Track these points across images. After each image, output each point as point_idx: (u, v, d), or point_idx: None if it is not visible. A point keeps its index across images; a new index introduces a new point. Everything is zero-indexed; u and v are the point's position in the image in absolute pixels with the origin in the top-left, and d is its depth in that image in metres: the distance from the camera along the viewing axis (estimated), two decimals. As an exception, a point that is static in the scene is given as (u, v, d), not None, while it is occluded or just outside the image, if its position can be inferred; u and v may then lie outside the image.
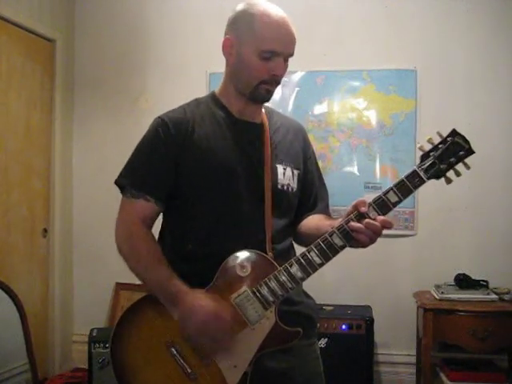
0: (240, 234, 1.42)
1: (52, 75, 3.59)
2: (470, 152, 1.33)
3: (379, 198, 1.32)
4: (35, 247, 3.47)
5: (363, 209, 1.31)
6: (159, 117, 1.48)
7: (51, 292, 3.58)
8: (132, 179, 1.45)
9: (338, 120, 3.47)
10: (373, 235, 1.33)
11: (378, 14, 3.45)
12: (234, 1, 1.50)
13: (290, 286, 1.34)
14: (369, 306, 3.25)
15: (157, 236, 1.50)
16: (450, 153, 1.32)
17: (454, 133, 1.33)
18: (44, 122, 3.56)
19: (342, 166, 3.44)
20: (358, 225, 1.31)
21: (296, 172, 1.53)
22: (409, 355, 3.37)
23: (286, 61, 1.44)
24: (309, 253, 1.34)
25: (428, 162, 1.32)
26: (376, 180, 3.40)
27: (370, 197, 1.33)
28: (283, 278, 1.34)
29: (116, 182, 1.48)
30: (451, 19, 3.38)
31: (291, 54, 1.45)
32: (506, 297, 3.00)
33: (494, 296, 2.99)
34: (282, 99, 3.48)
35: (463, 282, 3.09)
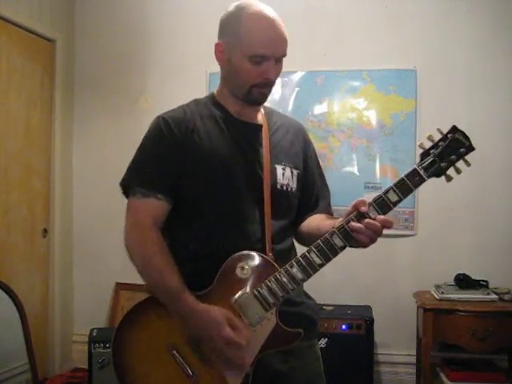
0: (240, 234, 1.42)
1: (52, 75, 3.59)
2: (471, 149, 1.32)
3: (379, 197, 1.31)
4: (35, 247, 3.47)
5: (363, 208, 1.30)
6: (160, 116, 1.47)
7: (51, 292, 3.58)
8: (140, 179, 1.43)
9: (337, 120, 3.47)
10: (373, 235, 1.32)
11: (378, 14, 3.45)
12: (234, 1, 1.50)
13: (290, 287, 1.34)
14: (369, 306, 3.25)
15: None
16: (450, 150, 1.31)
17: (454, 129, 1.32)
18: (44, 122, 3.56)
19: (342, 166, 3.44)
20: (358, 225, 1.30)
21: (295, 172, 1.53)
22: (409, 355, 3.37)
23: (279, 61, 1.42)
24: (309, 253, 1.34)
25: (428, 160, 1.31)
26: (376, 180, 3.40)
27: (370, 196, 1.32)
28: (284, 279, 1.34)
29: (122, 184, 1.46)
30: (451, 19, 3.38)
31: (283, 55, 1.43)
32: (506, 297, 3.00)
33: (493, 296, 2.99)
34: (282, 99, 3.48)
35: (463, 282, 3.09)
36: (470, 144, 1.32)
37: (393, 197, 1.31)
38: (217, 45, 1.46)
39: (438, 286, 3.12)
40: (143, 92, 3.72)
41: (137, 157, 1.47)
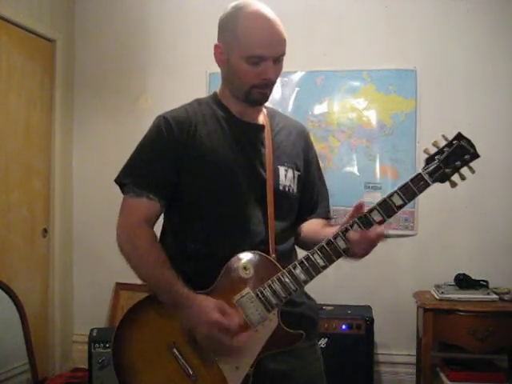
0: (242, 234, 1.41)
1: (52, 75, 3.59)
2: (475, 156, 1.33)
3: (384, 200, 1.31)
4: (35, 247, 3.47)
5: (362, 211, 1.32)
6: (162, 115, 1.47)
7: (51, 292, 3.58)
8: (134, 177, 1.43)
9: (337, 120, 3.47)
10: (368, 248, 1.32)
11: (378, 14, 3.45)
12: (233, 1, 1.50)
13: (293, 288, 1.34)
14: (369, 306, 3.25)
15: (158, 235, 1.50)
16: (455, 156, 1.32)
17: (459, 136, 1.33)
18: (44, 122, 3.56)
19: (342, 166, 3.44)
20: (356, 237, 1.30)
21: (297, 174, 1.53)
22: (409, 355, 3.37)
23: (278, 61, 1.42)
24: (312, 255, 1.34)
25: (433, 166, 1.32)
26: (376, 180, 3.40)
27: (370, 196, 1.33)
28: (286, 280, 1.34)
29: (117, 180, 1.46)
30: (451, 19, 3.38)
31: (282, 55, 1.42)
32: (506, 297, 3.00)
33: (494, 296, 2.99)
34: (282, 99, 3.48)
35: (463, 282, 3.09)
36: (475, 151, 1.32)
37: (397, 201, 1.31)
38: (216, 46, 1.46)
39: (438, 286, 3.12)
40: (143, 92, 3.72)
41: (134, 155, 1.47)
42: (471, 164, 1.33)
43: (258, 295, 1.34)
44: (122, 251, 1.40)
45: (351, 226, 1.32)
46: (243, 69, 1.39)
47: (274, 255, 1.40)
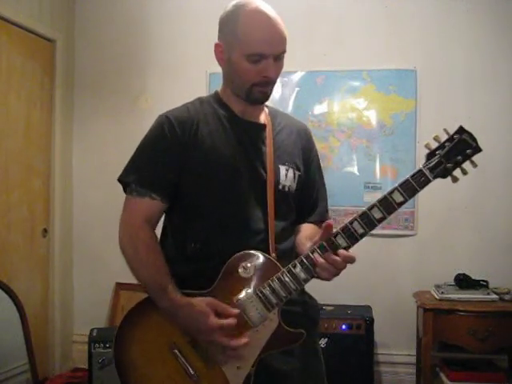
0: (242, 233, 1.41)
1: (52, 75, 3.59)
2: (478, 150, 1.30)
3: (384, 197, 1.30)
4: (35, 247, 3.47)
5: (330, 233, 1.31)
6: (164, 114, 1.47)
7: (51, 292, 3.58)
8: (137, 176, 1.43)
9: (338, 120, 3.47)
10: (335, 271, 1.31)
11: (378, 13, 3.45)
12: (233, 0, 1.50)
13: (293, 287, 1.34)
14: (369, 306, 3.25)
15: (159, 235, 1.50)
16: (456, 151, 1.30)
17: (460, 130, 1.31)
18: (44, 122, 3.56)
19: (342, 166, 3.44)
20: (321, 260, 1.30)
21: (297, 173, 1.52)
22: (409, 355, 3.37)
23: (279, 59, 1.41)
24: (312, 253, 1.33)
25: (434, 161, 1.30)
26: (376, 180, 3.40)
27: (370, 197, 1.32)
28: (286, 279, 1.34)
29: (120, 179, 1.46)
30: (451, 19, 3.38)
31: (282, 52, 1.42)
32: (506, 297, 3.00)
33: (494, 296, 2.99)
34: (282, 99, 3.48)
35: (463, 281, 3.09)
36: (477, 145, 1.30)
37: (397, 197, 1.30)
38: (216, 45, 1.46)
39: (437, 286, 3.12)
40: (143, 92, 3.72)
41: (136, 154, 1.47)
42: (473, 158, 1.30)
43: (258, 295, 1.34)
44: (123, 253, 1.41)
45: (335, 236, 1.31)
46: (244, 67, 1.39)
47: (274, 254, 1.40)
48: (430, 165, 1.30)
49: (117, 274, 3.56)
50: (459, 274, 3.13)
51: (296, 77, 3.50)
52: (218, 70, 1.52)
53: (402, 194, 1.30)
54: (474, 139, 1.30)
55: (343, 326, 3.02)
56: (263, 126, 1.51)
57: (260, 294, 1.34)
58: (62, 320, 3.65)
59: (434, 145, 1.31)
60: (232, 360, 1.34)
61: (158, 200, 1.41)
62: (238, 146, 1.45)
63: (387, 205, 1.30)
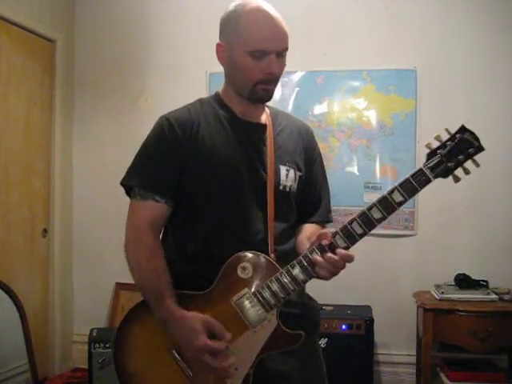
0: (242, 234, 1.41)
1: (52, 75, 3.59)
2: (480, 149, 1.28)
3: (383, 197, 1.29)
4: (35, 247, 3.47)
5: (325, 242, 1.31)
6: (164, 116, 1.46)
7: (51, 292, 3.58)
8: (140, 179, 1.43)
9: (338, 120, 3.47)
10: (334, 270, 1.31)
11: (378, 13, 3.45)
12: (233, 1, 1.50)
13: (291, 288, 1.33)
14: (369, 306, 3.25)
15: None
16: (458, 150, 1.28)
17: (462, 129, 1.29)
18: (44, 121, 3.56)
19: (342, 166, 3.44)
20: (320, 259, 1.30)
21: (298, 174, 1.52)
22: (409, 355, 3.37)
23: (281, 56, 1.41)
24: (311, 254, 1.33)
25: (435, 160, 1.28)
26: (376, 180, 3.40)
27: (370, 197, 1.32)
28: (285, 280, 1.33)
29: (122, 183, 1.46)
30: (451, 19, 3.38)
31: (284, 49, 1.41)
32: (506, 297, 3.00)
33: (494, 296, 2.99)
34: (282, 99, 3.48)
35: (463, 281, 3.09)
36: (480, 144, 1.28)
37: (397, 197, 1.29)
38: (218, 45, 1.45)
39: (437, 286, 3.12)
40: (143, 92, 3.72)
41: (138, 157, 1.47)
42: (475, 157, 1.28)
43: (256, 295, 1.34)
44: (126, 256, 1.42)
45: (334, 236, 1.31)
46: (247, 64, 1.39)
47: (273, 255, 1.40)
48: (431, 164, 1.28)
49: (117, 274, 3.56)
50: (459, 274, 3.13)
51: (296, 77, 3.50)
52: (218, 70, 1.52)
53: (401, 193, 1.28)
54: (477, 138, 1.29)
55: (343, 326, 3.02)
56: (264, 127, 1.50)
57: (258, 295, 1.34)
58: (61, 320, 3.65)
59: (436, 144, 1.30)
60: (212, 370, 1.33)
61: (162, 203, 1.41)
62: (239, 147, 1.45)
63: (387, 205, 1.29)
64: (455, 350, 3.07)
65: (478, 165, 1.30)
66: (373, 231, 1.32)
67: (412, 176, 1.29)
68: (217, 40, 1.48)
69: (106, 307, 3.70)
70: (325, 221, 1.60)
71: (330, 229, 1.45)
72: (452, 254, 3.33)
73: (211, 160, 1.41)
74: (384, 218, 1.30)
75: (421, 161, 1.31)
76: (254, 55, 1.37)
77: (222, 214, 1.42)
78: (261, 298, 1.34)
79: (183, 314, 1.33)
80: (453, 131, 1.30)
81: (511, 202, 3.30)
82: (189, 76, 3.61)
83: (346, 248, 1.31)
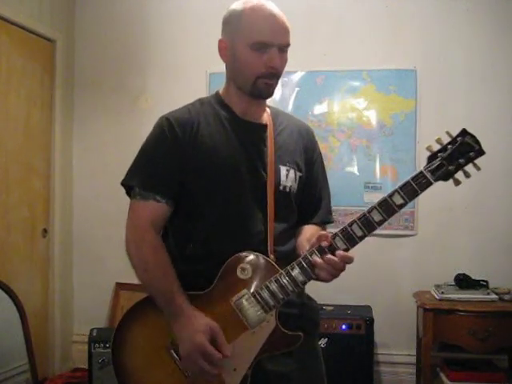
0: (242, 235, 1.41)
1: (52, 75, 3.59)
2: (481, 153, 1.28)
3: (384, 200, 1.29)
4: (35, 247, 3.47)
5: (324, 243, 1.31)
6: (164, 116, 1.46)
7: (51, 292, 3.58)
8: (140, 180, 1.43)
9: (338, 120, 3.47)
10: (334, 271, 1.31)
11: (378, 13, 3.45)
12: (234, 1, 1.50)
13: (291, 289, 1.33)
14: (369, 306, 3.25)
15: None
16: (459, 153, 1.28)
17: (463, 132, 1.29)
18: (44, 121, 3.56)
19: (342, 166, 3.44)
20: (319, 260, 1.30)
21: (298, 174, 1.52)
22: (409, 355, 3.37)
23: (283, 52, 1.42)
24: (310, 255, 1.33)
25: (436, 164, 1.28)
26: (376, 180, 3.40)
27: (370, 197, 1.32)
28: (284, 281, 1.33)
29: (123, 183, 1.46)
30: (451, 19, 3.38)
31: (286, 45, 1.42)
32: (506, 297, 3.00)
33: (494, 296, 2.99)
34: (282, 99, 3.48)
35: (463, 281, 3.08)
36: (480, 148, 1.28)
37: (398, 200, 1.29)
38: (220, 41, 1.46)
39: (437, 286, 3.12)
40: (143, 92, 3.72)
41: (138, 157, 1.47)
42: (476, 161, 1.29)
43: (255, 296, 1.34)
44: (129, 256, 1.41)
45: (334, 238, 1.31)
46: (249, 57, 1.39)
47: (272, 256, 1.40)
48: (432, 167, 1.28)
49: (117, 274, 3.57)
50: (459, 274, 3.13)
51: (296, 77, 3.50)
52: (218, 70, 1.52)
53: (402, 196, 1.28)
54: (477, 142, 1.28)
55: (343, 326, 3.02)
56: (264, 127, 1.50)
57: (257, 296, 1.34)
58: (62, 320, 3.65)
59: (436, 147, 1.30)
60: (228, 362, 1.33)
61: (162, 203, 1.41)
62: (239, 147, 1.44)
63: (387, 207, 1.29)
64: (455, 349, 3.07)
65: (478, 168, 1.30)
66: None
67: (413, 179, 1.29)
68: (217, 40, 1.48)
69: (106, 307, 3.70)
70: (325, 222, 1.60)
71: (330, 229, 1.45)
72: (452, 254, 3.33)
73: (211, 160, 1.41)
74: (384, 221, 1.30)
75: (421, 161, 1.32)
76: (256, 48, 1.38)
77: (221, 214, 1.42)
78: (260, 299, 1.34)
79: (194, 312, 1.33)
80: (454, 133, 1.30)
81: (511, 202, 3.30)
82: (189, 76, 3.61)
83: (346, 250, 1.31)
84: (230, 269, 1.36)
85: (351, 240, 1.31)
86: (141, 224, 1.41)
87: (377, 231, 1.34)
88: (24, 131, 3.36)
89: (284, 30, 1.40)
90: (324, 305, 3.15)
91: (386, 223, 1.32)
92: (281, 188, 1.47)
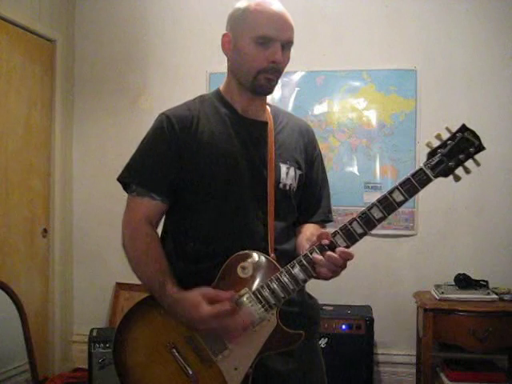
0: (242, 233, 1.41)
1: (52, 75, 3.59)
2: (481, 148, 1.28)
3: (384, 197, 1.29)
4: (35, 247, 3.47)
5: (325, 241, 1.31)
6: (163, 113, 1.46)
7: (51, 292, 3.57)
8: (137, 177, 1.43)
9: (338, 120, 3.47)
10: (335, 268, 1.30)
11: (378, 13, 3.45)
12: (234, 0, 1.50)
13: (292, 287, 1.33)
14: (369, 306, 3.25)
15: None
16: (459, 149, 1.27)
17: (463, 128, 1.29)
18: (44, 121, 3.55)
19: (342, 166, 3.44)
20: (320, 257, 1.30)
21: (298, 172, 1.52)
22: (409, 355, 3.37)
23: (285, 49, 1.42)
24: (311, 253, 1.32)
25: (435, 160, 1.28)
26: (376, 180, 3.40)
27: (370, 197, 1.32)
28: (285, 279, 1.33)
29: (119, 179, 1.46)
30: (451, 19, 3.38)
31: (289, 41, 1.43)
32: (506, 297, 2.99)
33: (494, 296, 2.99)
34: (282, 99, 3.48)
35: (463, 281, 3.08)
36: (480, 143, 1.28)
37: (398, 197, 1.28)
38: (224, 35, 1.46)
39: (437, 286, 3.12)
40: (143, 92, 3.72)
41: (136, 153, 1.47)
42: (476, 156, 1.28)
43: (256, 295, 1.34)
44: (125, 251, 1.42)
45: (334, 235, 1.31)
46: (251, 51, 1.40)
47: (273, 254, 1.40)
48: (431, 163, 1.28)
49: (117, 274, 3.57)
50: (459, 274, 3.13)
51: (296, 77, 3.50)
52: (218, 70, 1.52)
53: (402, 193, 1.28)
54: (477, 137, 1.28)
55: (343, 326, 3.02)
56: (265, 124, 1.50)
57: (258, 295, 1.33)
58: (61, 320, 3.65)
59: (436, 143, 1.30)
60: (230, 360, 1.33)
61: (158, 200, 1.41)
62: (239, 144, 1.44)
63: (387, 204, 1.29)
64: (455, 350, 3.08)
65: (478, 164, 1.29)
66: (373, 231, 1.32)
67: (413, 175, 1.28)
68: (217, 40, 1.48)
69: (106, 307, 3.70)
70: (325, 220, 1.60)
71: (330, 229, 1.45)
72: (452, 254, 3.33)
73: (210, 157, 1.41)
74: (384, 218, 1.30)
75: (421, 161, 1.31)
76: (259, 42, 1.38)
77: (221, 212, 1.42)
78: (261, 298, 1.33)
79: (183, 294, 1.33)
80: (453, 130, 1.30)
81: (511, 202, 3.30)
82: (189, 76, 3.61)
83: (347, 248, 1.31)
84: (231, 268, 1.36)
85: (351, 237, 1.31)
86: (135, 219, 1.41)
87: (377, 231, 1.33)
88: (24, 131, 3.36)
89: (288, 27, 1.41)
90: (324, 305, 3.15)
91: (385, 221, 1.32)
92: (281, 186, 1.46)
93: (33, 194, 3.45)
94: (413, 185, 1.28)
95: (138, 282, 1.42)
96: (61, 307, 3.64)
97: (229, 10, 1.50)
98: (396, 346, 3.41)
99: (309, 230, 1.52)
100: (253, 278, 1.35)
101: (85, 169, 3.80)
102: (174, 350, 1.36)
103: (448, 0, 3.38)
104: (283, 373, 1.41)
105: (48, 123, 3.59)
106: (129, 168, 1.46)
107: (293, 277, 1.33)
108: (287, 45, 1.43)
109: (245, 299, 1.34)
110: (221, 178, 1.41)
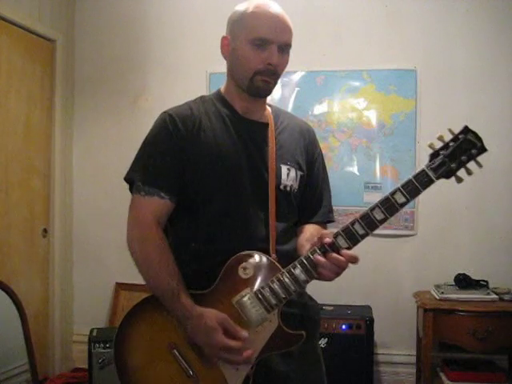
0: (244, 234, 1.41)
1: (52, 75, 3.59)
2: (483, 150, 1.28)
3: (386, 198, 1.29)
4: (35, 247, 3.47)
5: (327, 240, 1.30)
6: (166, 112, 1.46)
7: (51, 292, 3.57)
8: (144, 175, 1.42)
9: (338, 120, 3.47)
10: (338, 270, 1.30)
11: (378, 13, 3.45)
12: (234, 0, 1.50)
13: (293, 288, 1.33)
14: (369, 306, 3.25)
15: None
16: (461, 151, 1.27)
17: (465, 130, 1.29)
18: (44, 121, 3.55)
19: (342, 166, 3.44)
20: (323, 259, 1.29)
21: (299, 173, 1.51)
22: (409, 355, 3.37)
23: (283, 52, 1.42)
24: (312, 254, 1.32)
25: (437, 161, 1.28)
26: (376, 180, 3.40)
27: (370, 196, 1.32)
28: (286, 280, 1.33)
29: (126, 178, 1.45)
30: (451, 19, 3.37)
31: (287, 44, 1.43)
32: (506, 297, 3.00)
33: (494, 296, 2.99)
34: (282, 99, 3.48)
35: (463, 281, 3.09)
36: (483, 145, 1.28)
37: (400, 198, 1.28)
38: (223, 38, 1.47)
39: (437, 286, 3.12)
40: (143, 92, 3.72)
41: (142, 152, 1.46)
42: (478, 158, 1.28)
43: (257, 295, 1.33)
44: (132, 254, 1.40)
45: (336, 236, 1.30)
46: (248, 53, 1.40)
47: (274, 255, 1.39)
48: (434, 165, 1.28)
49: (117, 274, 3.57)
50: (459, 274, 3.13)
51: (296, 77, 3.50)
52: (218, 70, 1.53)
53: (404, 194, 1.28)
54: (480, 139, 1.28)
55: (343, 326, 3.02)
56: (265, 125, 1.50)
57: (259, 295, 1.33)
58: (61, 320, 3.65)
59: (438, 145, 1.29)
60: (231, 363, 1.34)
61: (166, 199, 1.41)
62: (240, 145, 1.44)
63: (389, 206, 1.29)
64: (455, 350, 3.08)
65: (480, 165, 1.29)
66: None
67: (414, 177, 1.28)
68: (217, 40, 1.48)
69: (106, 307, 3.70)
70: (326, 221, 1.60)
71: (331, 229, 1.45)
72: (452, 254, 3.33)
73: (212, 158, 1.41)
74: (386, 219, 1.30)
75: (421, 161, 1.32)
76: (255, 44, 1.39)
77: (222, 213, 1.42)
78: (262, 298, 1.33)
79: (201, 311, 1.32)
80: (455, 131, 1.30)
81: (511, 202, 3.30)
82: (189, 76, 3.61)
83: (348, 249, 1.31)
84: (232, 268, 1.36)
85: (353, 239, 1.31)
86: (145, 221, 1.39)
87: (377, 231, 1.34)
88: (24, 131, 3.36)
89: (285, 29, 1.41)
90: (324, 305, 3.15)
91: (386, 222, 1.32)
92: (281, 187, 1.46)
93: (33, 194, 3.45)
94: (415, 186, 1.28)
95: (137, 282, 1.41)
96: (61, 307, 3.64)
97: (229, 10, 1.50)
98: (396, 346, 3.41)
99: (309, 231, 1.52)
100: (254, 278, 1.35)
101: (85, 169, 3.80)
102: (175, 351, 1.36)
103: (448, 0, 3.38)
104: (283, 373, 1.41)
105: (48, 123, 3.59)
106: (135, 167, 1.45)
107: (294, 278, 1.33)
108: (285, 47, 1.43)
109: (246, 300, 1.34)
110: (222, 179, 1.41)
